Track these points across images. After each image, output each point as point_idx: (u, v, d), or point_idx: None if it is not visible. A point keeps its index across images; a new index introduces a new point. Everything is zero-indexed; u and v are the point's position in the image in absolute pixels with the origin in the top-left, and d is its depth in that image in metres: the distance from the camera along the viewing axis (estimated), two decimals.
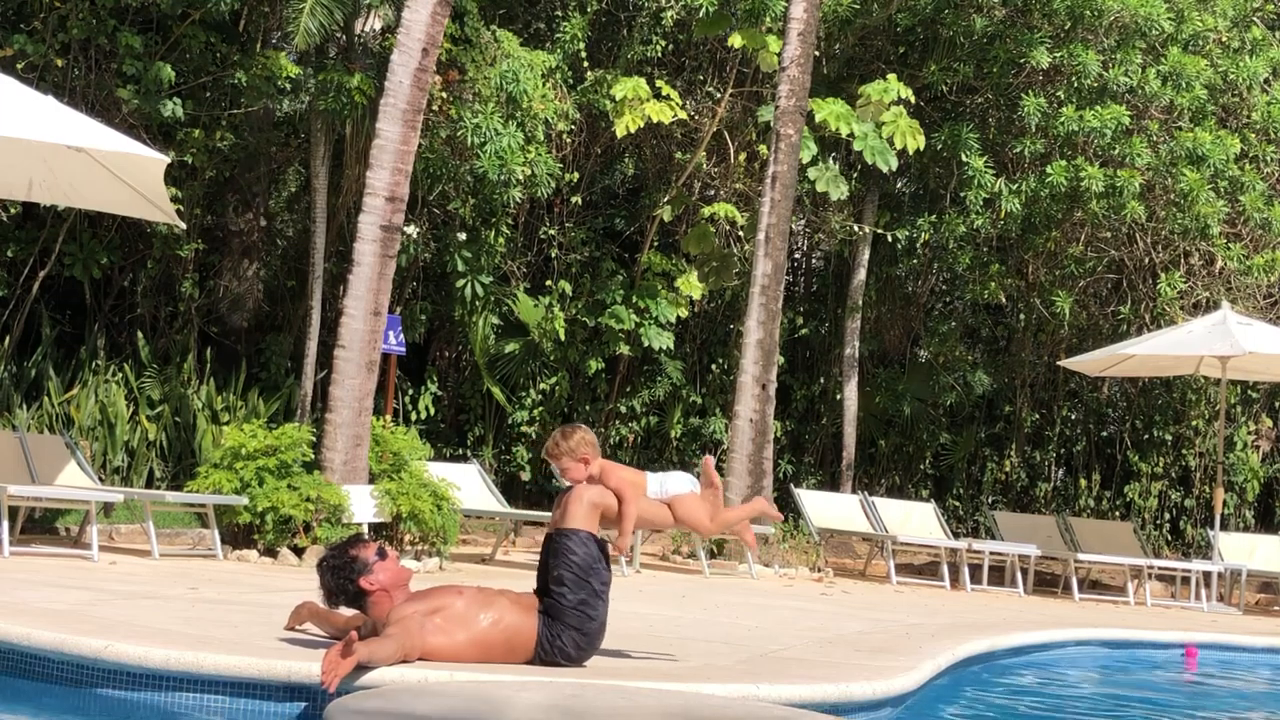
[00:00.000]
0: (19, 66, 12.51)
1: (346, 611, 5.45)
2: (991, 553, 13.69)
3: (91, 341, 13.76)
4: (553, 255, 16.50)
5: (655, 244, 16.63)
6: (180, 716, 4.78)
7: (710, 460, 5.69)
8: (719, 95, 16.55)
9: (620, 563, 11.69)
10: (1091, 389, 18.18)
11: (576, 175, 16.24)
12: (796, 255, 18.79)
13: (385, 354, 12.09)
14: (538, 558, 5.42)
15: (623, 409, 16.78)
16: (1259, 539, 15.04)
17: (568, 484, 5.44)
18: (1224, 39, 16.69)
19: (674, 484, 5.55)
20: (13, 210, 13.50)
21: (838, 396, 17.32)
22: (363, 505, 10.40)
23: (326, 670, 4.53)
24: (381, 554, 5.16)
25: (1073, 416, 18.45)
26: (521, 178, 14.54)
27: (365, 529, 10.20)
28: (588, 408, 16.70)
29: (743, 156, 16.57)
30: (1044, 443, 17.99)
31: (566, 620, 5.20)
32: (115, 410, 12.85)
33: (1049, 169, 15.84)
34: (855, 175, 16.36)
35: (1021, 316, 17.86)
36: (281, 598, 6.98)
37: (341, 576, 5.15)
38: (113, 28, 13.04)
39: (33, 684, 5.03)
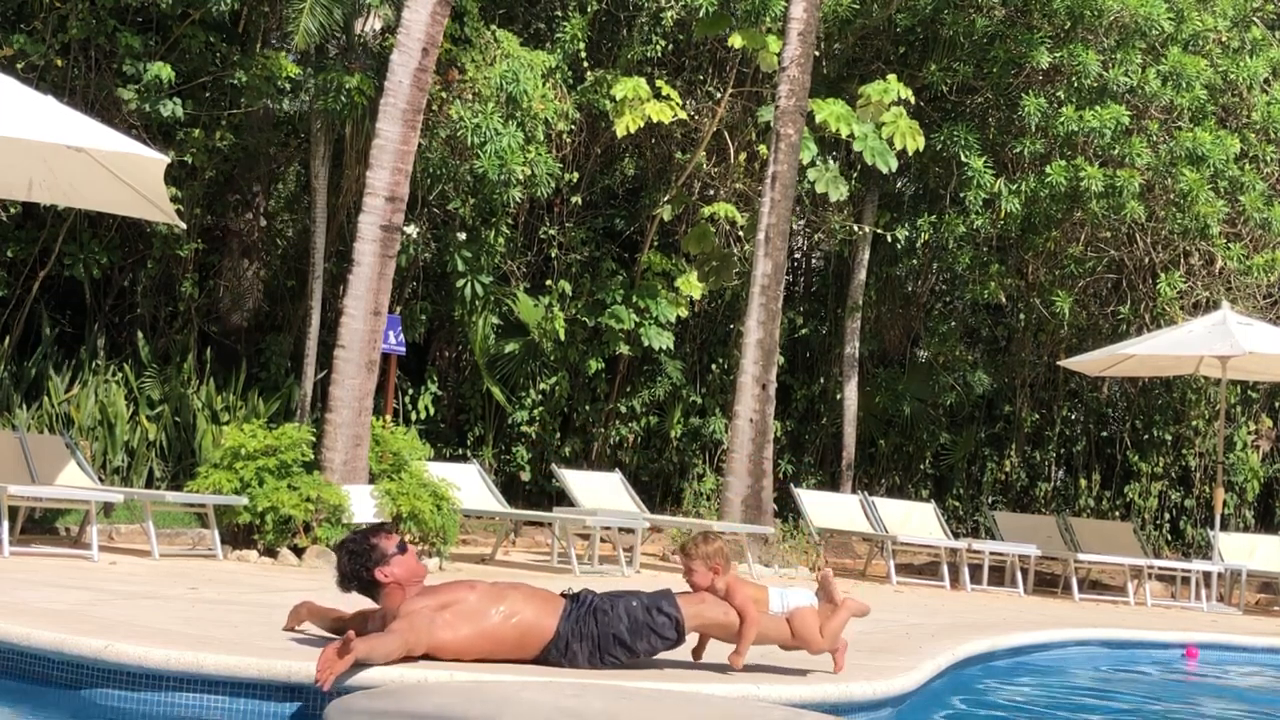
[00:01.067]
0: (19, 66, 12.51)
1: (349, 608, 5.46)
2: (991, 553, 13.69)
3: (91, 341, 13.76)
4: (553, 255, 16.50)
5: (655, 244, 16.62)
6: (180, 716, 4.78)
7: (830, 574, 5.72)
8: (719, 95, 16.55)
9: (621, 563, 11.70)
10: (1091, 389, 18.18)
11: (576, 175, 16.23)
12: (796, 255, 18.79)
13: (385, 354, 12.08)
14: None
15: (623, 409, 16.78)
16: (1259, 539, 15.03)
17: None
18: (1224, 39, 16.69)
19: (794, 598, 5.60)
20: (13, 210, 13.50)
21: (838, 396, 17.32)
22: (363, 505, 10.40)
23: (322, 668, 4.53)
24: (402, 548, 5.18)
25: (1073, 416, 18.45)
26: (521, 178, 14.54)
27: None
28: (588, 408, 16.69)
29: (743, 156, 16.57)
30: (1044, 443, 17.99)
31: (598, 631, 5.20)
32: (115, 410, 12.85)
33: (1049, 169, 15.84)
34: (855, 175, 16.36)
35: (1021, 316, 17.86)
36: (281, 598, 6.98)
37: (358, 563, 5.17)
38: (113, 28, 13.04)
39: (33, 684, 5.03)
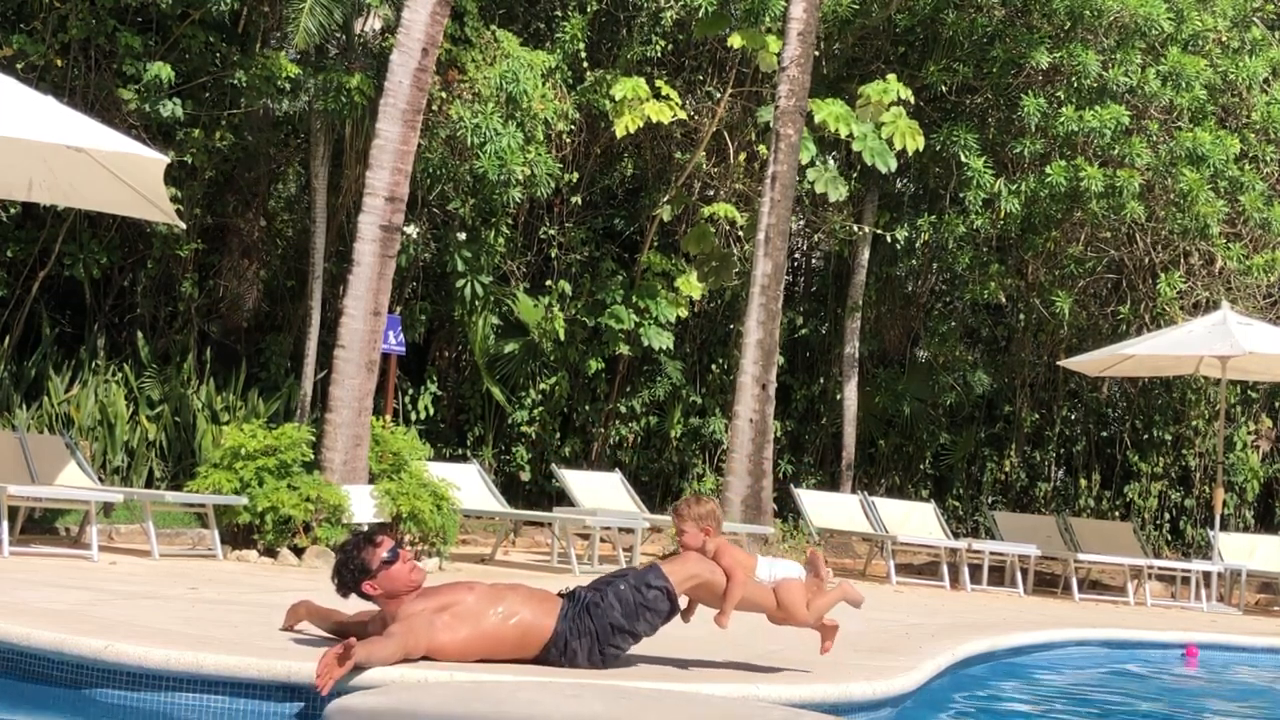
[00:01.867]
0: (19, 66, 12.51)
1: (348, 609, 5.46)
2: (991, 553, 13.69)
3: (91, 341, 13.76)
4: (553, 255, 16.50)
5: (655, 244, 16.62)
6: (180, 717, 4.78)
7: (819, 554, 5.78)
8: (719, 95, 16.55)
9: (621, 563, 11.70)
10: (1091, 389, 18.17)
11: (576, 175, 16.23)
12: (796, 255, 18.79)
13: (385, 354, 12.08)
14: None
15: (623, 409, 16.78)
16: (1259, 539, 15.03)
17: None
18: (1224, 39, 16.69)
19: (782, 570, 5.63)
20: (13, 210, 13.50)
21: (838, 396, 17.32)
22: (362, 505, 10.39)
23: (321, 673, 4.54)
24: (393, 556, 5.14)
25: (1073, 416, 18.45)
26: (521, 178, 14.54)
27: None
28: (588, 408, 16.69)
29: (742, 156, 16.57)
30: (1044, 443, 17.99)
31: (595, 626, 5.20)
32: (115, 410, 12.85)
33: (1048, 169, 15.84)
34: (855, 175, 16.36)
35: (1021, 316, 17.86)
36: (281, 598, 6.97)
37: (345, 577, 5.19)
38: (113, 28, 13.04)
39: (33, 684, 5.03)
